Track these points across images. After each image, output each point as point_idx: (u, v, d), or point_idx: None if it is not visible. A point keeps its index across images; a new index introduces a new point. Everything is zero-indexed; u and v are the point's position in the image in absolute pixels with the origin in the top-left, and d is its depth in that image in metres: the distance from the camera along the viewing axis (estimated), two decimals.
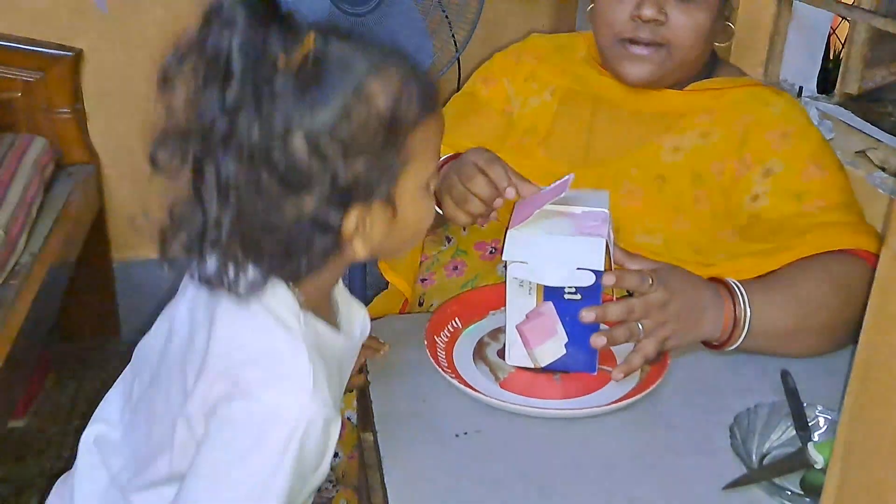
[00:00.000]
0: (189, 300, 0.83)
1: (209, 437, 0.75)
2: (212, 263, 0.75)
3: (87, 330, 2.38)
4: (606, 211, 1.00)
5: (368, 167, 0.74)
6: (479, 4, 2.09)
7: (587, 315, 0.95)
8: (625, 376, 0.97)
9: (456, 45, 2.13)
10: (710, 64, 1.28)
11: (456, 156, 1.16)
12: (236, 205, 0.72)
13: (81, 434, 0.92)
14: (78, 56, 2.12)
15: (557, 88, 1.32)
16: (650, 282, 0.96)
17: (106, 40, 2.12)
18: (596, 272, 0.94)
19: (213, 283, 0.75)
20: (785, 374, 0.98)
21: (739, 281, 1.03)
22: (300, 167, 0.71)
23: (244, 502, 0.74)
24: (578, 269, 0.94)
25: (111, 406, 0.91)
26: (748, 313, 1.00)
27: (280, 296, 0.77)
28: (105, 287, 2.36)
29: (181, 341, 0.81)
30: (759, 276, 1.07)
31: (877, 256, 1.07)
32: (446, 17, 2.10)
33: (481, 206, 1.05)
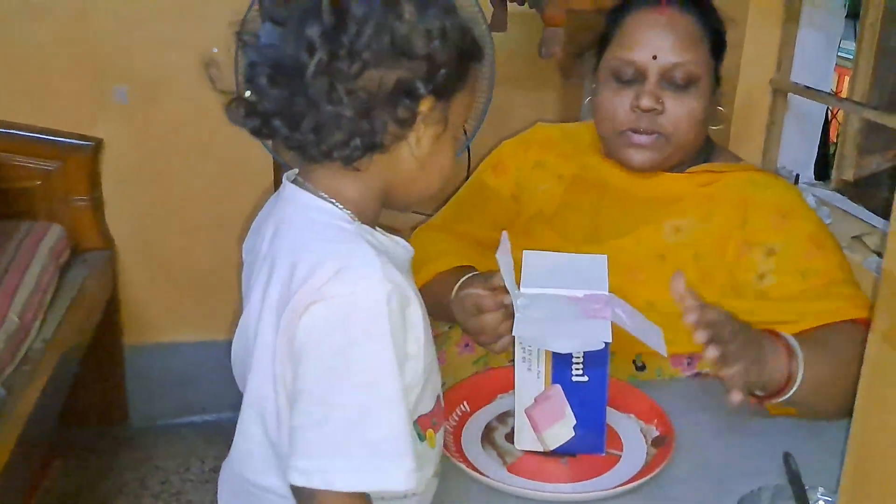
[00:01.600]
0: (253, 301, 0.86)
1: (302, 355, 0.78)
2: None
3: (94, 415, 2.37)
4: (607, 293, 1.02)
5: (451, 63, 0.82)
6: (489, 94, 2.16)
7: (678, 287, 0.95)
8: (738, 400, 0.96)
9: (466, 133, 2.20)
10: (707, 149, 1.34)
11: (464, 268, 1.22)
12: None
13: None
14: (98, 146, 2.19)
15: (565, 175, 1.38)
16: (730, 325, 0.97)
17: (125, 130, 2.20)
18: (605, 343, 0.96)
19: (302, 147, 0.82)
20: (787, 457, 0.99)
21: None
22: (409, 36, 0.79)
23: (357, 398, 0.77)
24: (587, 342, 0.96)
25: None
26: (801, 367, 1.02)
27: (327, 209, 0.84)
28: (115, 372, 2.37)
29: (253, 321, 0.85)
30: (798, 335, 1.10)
31: None
32: None
33: (491, 338, 1.09)
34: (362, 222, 0.85)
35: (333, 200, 0.84)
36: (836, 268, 1.20)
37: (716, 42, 1.27)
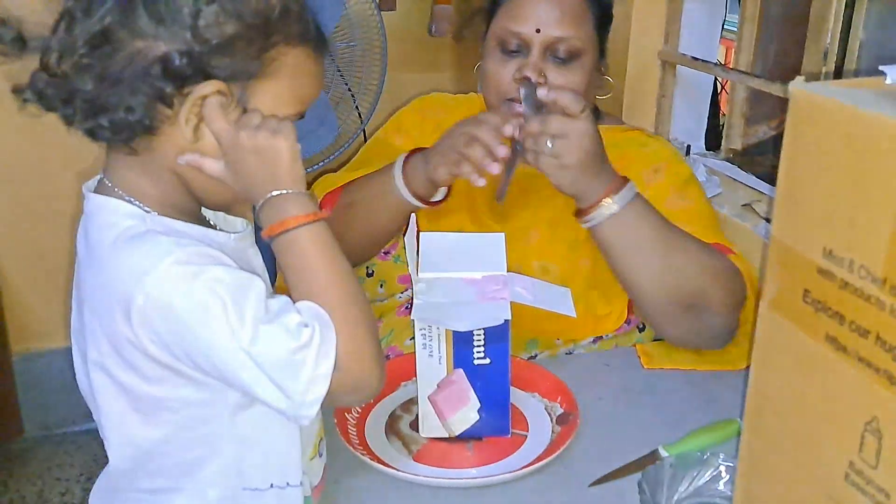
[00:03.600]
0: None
1: (170, 335, 0.73)
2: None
3: None
4: (505, 273, 1.01)
5: (231, 42, 0.74)
6: (382, 76, 2.13)
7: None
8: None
9: (360, 116, 2.16)
10: (594, 115, 1.34)
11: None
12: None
13: None
14: None
15: None
16: (583, 107, 1.06)
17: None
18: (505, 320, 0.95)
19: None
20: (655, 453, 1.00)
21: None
22: (172, 2, 0.72)
23: (240, 320, 0.72)
24: (486, 319, 0.95)
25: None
26: (620, 200, 1.09)
27: (114, 207, 0.78)
28: (4, 382, 2.26)
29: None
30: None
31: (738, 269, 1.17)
32: (349, 89, 2.14)
33: (482, 152, 1.11)
34: (172, 215, 0.79)
35: (129, 197, 0.79)
36: (700, 217, 1.25)
37: (601, 16, 1.28)
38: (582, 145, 1.06)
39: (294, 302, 0.77)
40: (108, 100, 0.73)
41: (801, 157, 0.62)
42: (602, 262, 1.24)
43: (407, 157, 1.23)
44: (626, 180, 1.12)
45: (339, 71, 2.10)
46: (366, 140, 2.13)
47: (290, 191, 0.78)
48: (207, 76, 0.75)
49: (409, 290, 1.35)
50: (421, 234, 1.06)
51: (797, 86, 0.60)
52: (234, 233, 0.84)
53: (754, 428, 0.71)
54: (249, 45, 0.75)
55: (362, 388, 0.77)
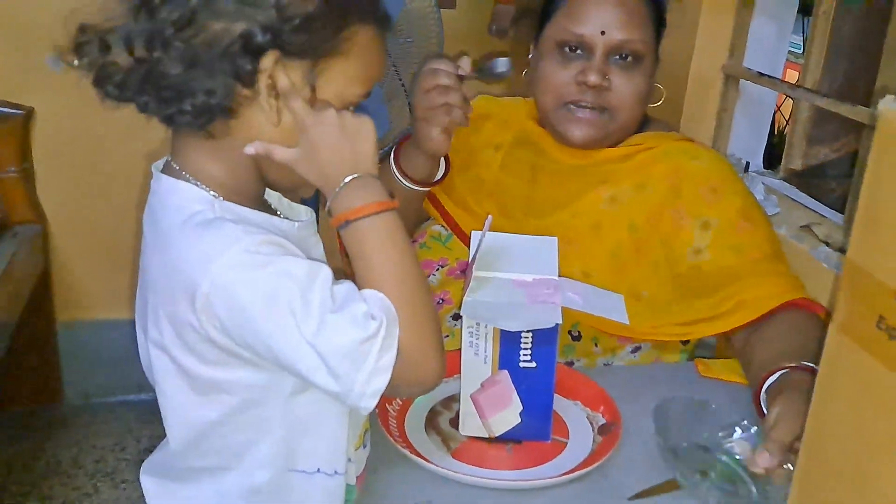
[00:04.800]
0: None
1: (234, 323, 0.73)
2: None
3: (27, 393, 2.30)
4: (556, 277, 1.00)
5: (312, 19, 0.74)
6: None
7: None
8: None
9: (412, 111, 2.16)
10: (643, 123, 1.34)
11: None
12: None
13: None
14: (28, 114, 2.10)
15: (502, 144, 1.38)
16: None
17: (58, 100, 2.10)
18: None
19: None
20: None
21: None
22: None
23: (307, 316, 0.71)
24: (536, 321, 0.94)
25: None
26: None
27: (184, 191, 0.78)
28: (48, 350, 2.30)
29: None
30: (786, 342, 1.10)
31: (817, 304, 1.15)
32: (403, 85, 2.14)
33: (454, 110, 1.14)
34: (238, 200, 0.79)
35: (195, 181, 0.79)
36: (767, 242, 1.23)
37: (658, 20, 1.27)
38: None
39: (359, 289, 0.76)
40: (190, 84, 0.73)
41: (886, 180, 0.60)
42: (641, 273, 1.21)
43: (396, 148, 1.24)
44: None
45: (395, 66, 2.10)
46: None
47: (370, 174, 0.77)
48: (279, 52, 0.74)
49: (432, 278, 1.34)
50: (472, 232, 1.06)
51: (887, 105, 0.58)
52: (297, 221, 0.84)
53: (812, 452, 0.69)
54: (327, 23, 0.75)
55: (423, 380, 0.77)
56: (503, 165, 1.36)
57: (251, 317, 0.72)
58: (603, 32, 1.20)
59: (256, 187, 0.83)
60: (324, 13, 0.75)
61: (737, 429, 0.96)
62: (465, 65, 1.12)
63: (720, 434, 0.95)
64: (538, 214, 1.30)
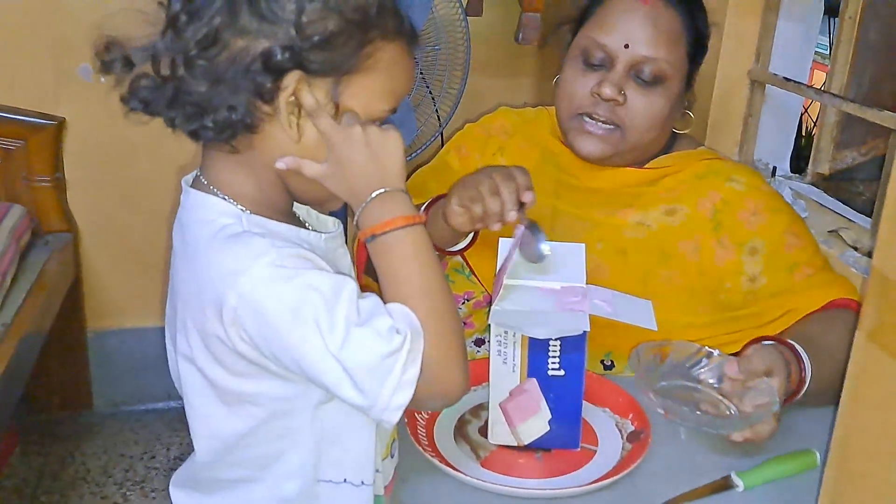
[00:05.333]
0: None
1: (260, 334, 0.74)
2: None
3: (57, 401, 2.33)
4: (584, 285, 1.00)
5: (333, 37, 0.74)
6: (463, 81, 2.13)
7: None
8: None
9: (439, 119, 2.17)
10: (669, 144, 1.31)
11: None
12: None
13: None
14: (60, 125, 2.13)
15: (527, 164, 1.34)
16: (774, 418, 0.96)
17: (89, 109, 2.13)
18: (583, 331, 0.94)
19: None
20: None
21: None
22: None
23: (337, 327, 0.72)
24: (565, 328, 0.94)
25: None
26: (809, 374, 1.02)
27: (214, 206, 0.79)
28: (78, 357, 2.33)
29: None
30: (794, 331, 1.13)
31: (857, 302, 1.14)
32: (430, 92, 2.15)
33: (492, 219, 1.03)
34: (266, 214, 0.80)
35: (224, 195, 0.80)
36: (816, 255, 1.22)
37: (696, 44, 1.22)
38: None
39: (385, 303, 0.77)
40: (213, 100, 0.75)
41: None
42: (668, 302, 1.19)
43: (428, 205, 1.19)
44: (796, 357, 1.03)
45: (422, 73, 2.11)
46: (443, 143, 2.15)
47: (398, 189, 0.78)
48: (302, 71, 0.75)
49: (460, 309, 1.33)
50: (500, 239, 1.05)
51: None
52: (325, 233, 0.85)
53: (839, 462, 0.69)
54: (348, 40, 0.76)
55: (447, 394, 0.78)
56: None
57: (278, 330, 0.73)
58: (627, 46, 1.17)
59: (284, 200, 0.84)
60: (345, 31, 0.75)
61: (704, 360, 1.04)
62: (529, 200, 1.01)
63: (688, 365, 1.04)
64: (562, 238, 1.28)
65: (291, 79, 0.75)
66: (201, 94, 0.75)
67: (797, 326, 1.15)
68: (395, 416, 0.75)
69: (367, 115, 0.79)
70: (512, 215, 0.99)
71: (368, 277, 0.84)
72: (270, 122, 0.77)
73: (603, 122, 1.21)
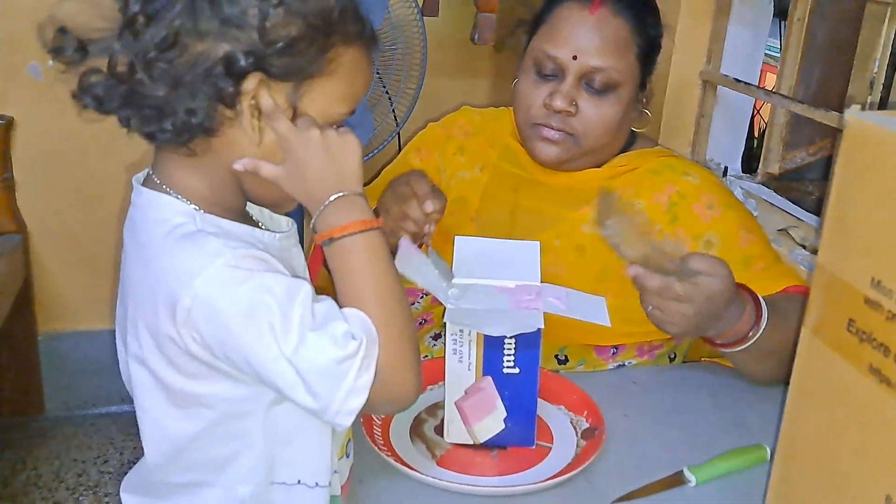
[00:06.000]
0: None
1: (212, 336, 0.73)
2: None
3: (8, 406, 2.29)
4: (539, 284, 1.01)
5: (295, 42, 0.74)
6: (420, 81, 2.14)
7: (631, 270, 0.99)
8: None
9: (396, 119, 2.17)
10: (628, 143, 1.33)
11: None
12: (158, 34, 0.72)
13: None
14: (9, 124, 2.09)
15: (487, 164, 1.36)
16: (677, 290, 0.98)
17: (39, 109, 2.10)
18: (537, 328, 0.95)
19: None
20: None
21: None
22: (239, 2, 0.73)
23: (290, 331, 0.72)
24: (519, 326, 0.94)
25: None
26: (760, 334, 1.06)
27: (166, 205, 0.78)
28: (29, 361, 2.29)
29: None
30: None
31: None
32: (386, 92, 2.15)
33: (415, 226, 1.10)
34: (220, 213, 0.80)
35: (177, 194, 0.79)
36: (768, 249, 1.25)
37: (647, 48, 1.24)
38: (690, 311, 1.00)
39: (340, 306, 0.77)
40: (171, 103, 0.74)
41: (852, 186, 0.61)
42: (626, 292, 1.21)
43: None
44: (757, 303, 1.07)
45: (379, 74, 2.11)
46: (400, 144, 2.15)
47: (355, 192, 0.78)
48: (263, 74, 0.75)
49: (416, 305, 1.34)
50: (456, 238, 1.06)
51: (852, 114, 0.60)
52: (279, 232, 0.85)
53: (787, 457, 0.71)
54: (311, 45, 0.75)
55: (400, 399, 0.78)
56: (488, 186, 1.35)
57: (231, 332, 0.73)
58: (575, 57, 1.18)
59: (238, 200, 0.83)
60: (307, 36, 0.75)
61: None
62: (430, 207, 1.09)
63: None
64: (521, 236, 1.28)
65: (252, 82, 0.74)
66: (159, 97, 0.74)
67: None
68: (348, 421, 0.75)
69: (325, 118, 0.79)
70: (428, 205, 1.06)
71: (326, 272, 0.84)
72: (231, 125, 0.77)
73: (557, 130, 1.23)
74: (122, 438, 2.27)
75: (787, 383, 0.70)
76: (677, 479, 0.98)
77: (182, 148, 0.77)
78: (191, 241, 0.75)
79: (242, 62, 0.73)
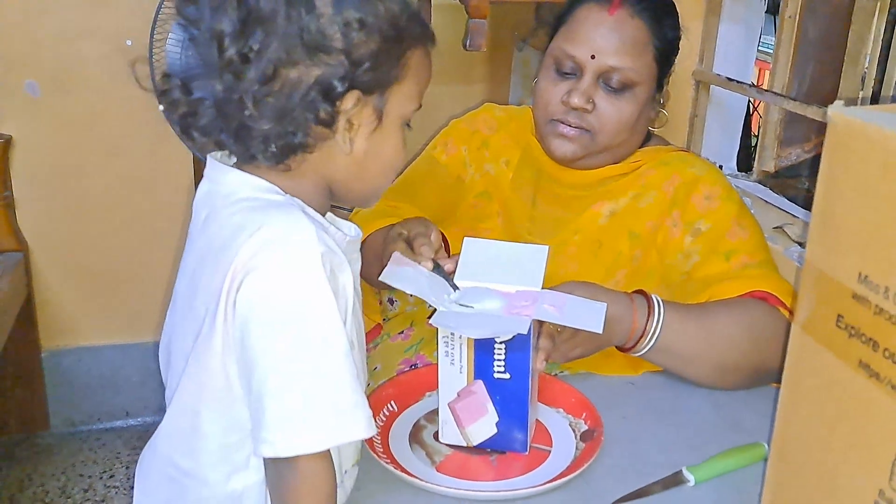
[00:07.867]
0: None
1: (246, 328, 0.75)
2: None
3: (13, 423, 2.29)
4: (538, 290, 1.00)
5: (377, 55, 0.78)
6: None
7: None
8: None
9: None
10: (645, 139, 1.35)
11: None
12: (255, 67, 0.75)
13: None
14: (7, 142, 2.09)
15: (511, 160, 1.39)
16: (563, 336, 1.06)
17: (37, 126, 2.10)
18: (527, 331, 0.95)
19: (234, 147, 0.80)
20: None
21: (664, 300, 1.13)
22: (323, 29, 0.76)
23: (309, 360, 0.75)
24: (501, 330, 0.95)
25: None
26: (658, 330, 1.10)
27: (255, 184, 0.81)
28: (33, 377, 2.29)
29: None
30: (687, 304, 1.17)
31: (788, 309, 1.15)
32: None
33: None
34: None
35: (263, 177, 0.82)
36: (758, 249, 1.25)
37: (665, 49, 1.26)
38: (577, 340, 1.08)
39: None
40: (275, 130, 0.77)
41: (838, 182, 0.61)
42: (634, 280, 1.23)
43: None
44: (648, 304, 1.12)
45: None
46: None
47: None
48: (359, 91, 0.79)
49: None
50: (465, 239, 1.05)
51: (836, 110, 0.60)
52: (348, 236, 0.87)
53: (781, 452, 0.71)
54: (390, 54, 0.80)
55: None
56: (512, 181, 1.37)
57: (261, 321, 0.75)
58: (593, 56, 1.21)
59: (324, 203, 0.87)
60: (385, 47, 0.79)
61: None
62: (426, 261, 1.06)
63: None
64: (541, 234, 1.31)
65: (350, 101, 0.79)
66: (267, 129, 0.77)
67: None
68: (267, 453, 0.76)
69: (402, 116, 0.84)
70: (427, 265, 1.05)
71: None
72: (325, 139, 0.80)
73: (574, 127, 1.25)
74: (128, 453, 2.27)
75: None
76: (676, 479, 0.98)
77: (280, 165, 0.80)
78: (279, 209, 0.79)
79: (338, 85, 0.77)
